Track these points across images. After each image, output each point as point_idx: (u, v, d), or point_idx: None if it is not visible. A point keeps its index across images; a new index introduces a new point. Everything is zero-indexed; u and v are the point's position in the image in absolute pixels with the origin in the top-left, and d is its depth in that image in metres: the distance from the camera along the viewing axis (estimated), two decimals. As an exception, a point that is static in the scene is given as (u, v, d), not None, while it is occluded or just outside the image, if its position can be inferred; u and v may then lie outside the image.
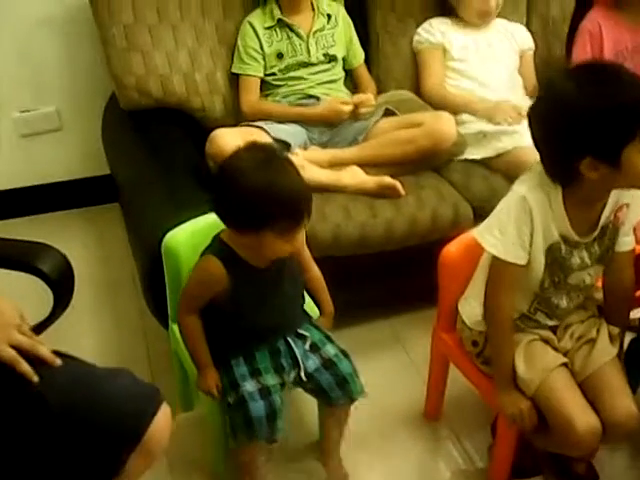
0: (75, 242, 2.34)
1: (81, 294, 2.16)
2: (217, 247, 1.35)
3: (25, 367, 1.03)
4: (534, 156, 1.30)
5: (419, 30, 2.22)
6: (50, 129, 2.37)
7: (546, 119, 1.24)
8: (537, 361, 1.37)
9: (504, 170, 1.93)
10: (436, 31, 2.20)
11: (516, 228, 1.28)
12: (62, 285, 1.23)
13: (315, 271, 1.48)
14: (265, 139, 1.85)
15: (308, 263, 1.46)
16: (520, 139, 1.93)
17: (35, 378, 1.03)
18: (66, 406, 1.03)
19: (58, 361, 1.07)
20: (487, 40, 2.22)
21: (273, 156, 1.29)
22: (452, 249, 1.45)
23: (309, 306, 1.52)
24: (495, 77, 2.17)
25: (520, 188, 1.29)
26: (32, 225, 2.43)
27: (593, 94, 1.16)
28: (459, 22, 2.22)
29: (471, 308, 1.46)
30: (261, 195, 1.22)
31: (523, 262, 1.30)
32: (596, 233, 1.33)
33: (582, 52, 2.11)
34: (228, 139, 1.75)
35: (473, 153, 2.00)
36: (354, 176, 1.85)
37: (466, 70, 2.17)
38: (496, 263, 1.32)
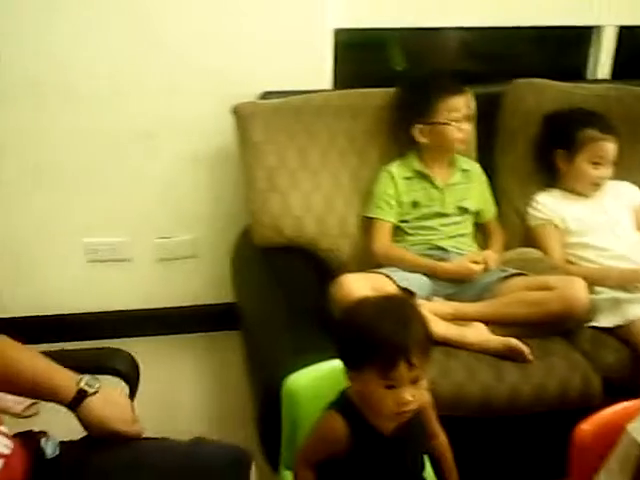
0: (193, 365, 2.42)
1: (191, 420, 2.16)
2: (342, 404, 1.32)
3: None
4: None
5: (528, 208, 2.22)
6: (185, 256, 2.51)
7: None
8: None
9: (634, 339, 1.83)
10: (543, 207, 2.19)
11: None
12: (135, 380, 1.42)
13: (442, 438, 1.42)
14: (390, 287, 1.87)
15: (435, 428, 1.41)
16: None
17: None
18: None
19: None
20: (601, 206, 2.18)
21: (397, 303, 1.30)
22: (586, 428, 1.36)
23: (428, 474, 1.45)
24: (620, 243, 2.11)
25: None
26: (155, 345, 2.51)
27: None
28: (567, 193, 2.20)
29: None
30: (362, 328, 1.23)
31: None
32: None
33: None
34: (355, 285, 1.78)
35: (603, 321, 1.91)
36: (479, 334, 1.81)
37: (589, 242, 2.12)
38: None
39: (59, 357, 1.31)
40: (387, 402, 1.23)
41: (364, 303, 1.31)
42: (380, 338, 1.21)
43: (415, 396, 1.24)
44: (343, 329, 1.30)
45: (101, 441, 1.26)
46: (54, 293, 2.48)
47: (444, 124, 2.03)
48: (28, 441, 1.23)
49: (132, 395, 1.40)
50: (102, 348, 1.45)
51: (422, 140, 2.08)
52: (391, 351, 1.21)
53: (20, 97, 2.21)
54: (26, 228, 2.38)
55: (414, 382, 1.24)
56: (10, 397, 1.98)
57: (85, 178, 2.34)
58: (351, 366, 1.28)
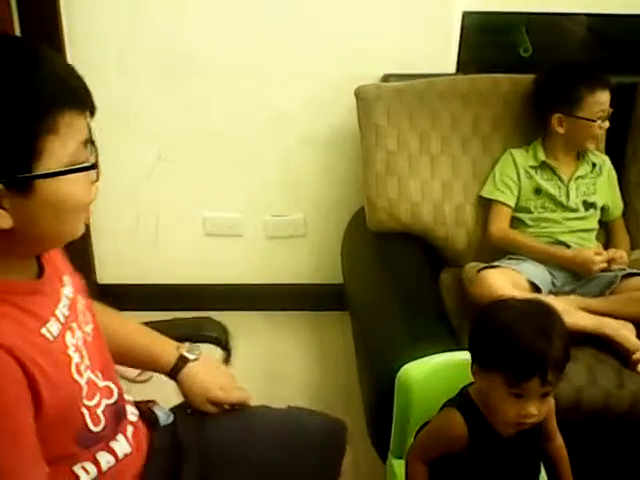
0: (297, 342, 2.45)
1: (294, 396, 2.17)
2: (462, 402, 1.30)
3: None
4: None
5: None
6: (295, 235, 2.52)
7: None
8: None
9: None
10: None
11: None
12: (229, 346, 1.42)
13: (559, 441, 1.38)
14: (523, 282, 1.83)
15: (553, 431, 1.37)
16: None
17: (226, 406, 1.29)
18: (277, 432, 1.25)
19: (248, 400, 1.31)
20: None
21: (542, 312, 1.24)
22: None
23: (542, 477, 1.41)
24: None
25: None
26: (261, 319, 2.55)
27: None
28: None
29: None
30: (503, 330, 1.20)
31: None
32: None
33: None
34: (497, 281, 1.76)
35: None
36: (619, 327, 1.73)
37: None
38: None
39: (157, 327, 1.31)
40: (509, 410, 1.20)
41: (508, 303, 1.27)
42: (520, 347, 1.17)
43: (540, 410, 1.20)
44: (482, 325, 1.26)
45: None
46: (170, 263, 2.55)
47: (589, 120, 1.93)
48: (141, 409, 1.24)
49: (227, 362, 1.41)
50: (193, 317, 1.45)
51: (558, 130, 1.98)
52: (528, 364, 1.17)
53: (149, 69, 2.25)
54: (151, 198, 2.45)
55: (543, 396, 1.20)
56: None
57: (209, 153, 2.38)
58: (479, 363, 1.25)
